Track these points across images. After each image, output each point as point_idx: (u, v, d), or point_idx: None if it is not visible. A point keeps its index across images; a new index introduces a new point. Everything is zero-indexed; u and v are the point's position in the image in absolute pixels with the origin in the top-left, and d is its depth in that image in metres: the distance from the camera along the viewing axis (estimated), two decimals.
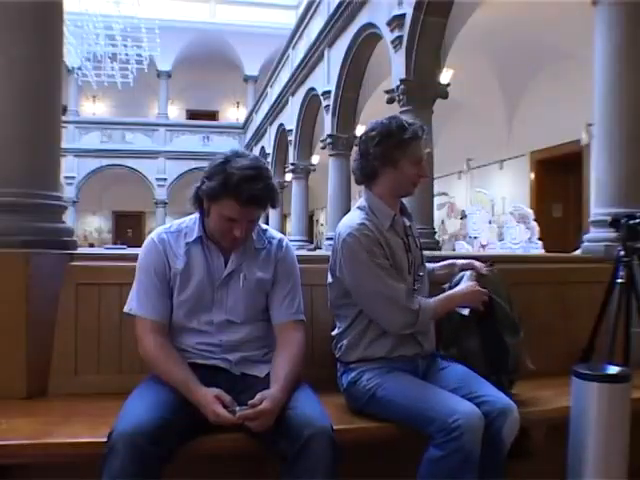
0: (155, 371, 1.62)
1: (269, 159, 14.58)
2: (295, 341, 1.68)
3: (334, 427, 1.46)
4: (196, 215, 1.71)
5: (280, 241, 1.78)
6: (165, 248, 1.67)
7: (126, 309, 1.69)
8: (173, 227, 1.73)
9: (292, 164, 11.68)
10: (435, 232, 6.21)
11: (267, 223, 14.10)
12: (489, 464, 1.59)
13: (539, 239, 7.56)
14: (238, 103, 22.00)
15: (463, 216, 9.62)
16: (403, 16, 5.93)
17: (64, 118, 14.29)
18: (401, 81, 5.95)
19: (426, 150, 1.83)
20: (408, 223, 1.89)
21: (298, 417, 1.45)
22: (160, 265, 1.66)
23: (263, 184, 1.54)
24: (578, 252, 3.07)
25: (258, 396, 1.47)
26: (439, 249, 6.47)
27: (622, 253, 2.26)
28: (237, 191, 1.51)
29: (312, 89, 10.07)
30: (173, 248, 1.68)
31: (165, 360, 1.59)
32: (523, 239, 7.77)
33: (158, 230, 1.75)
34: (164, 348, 1.62)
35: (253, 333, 1.70)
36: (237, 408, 1.46)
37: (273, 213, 14.28)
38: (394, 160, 1.77)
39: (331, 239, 9.47)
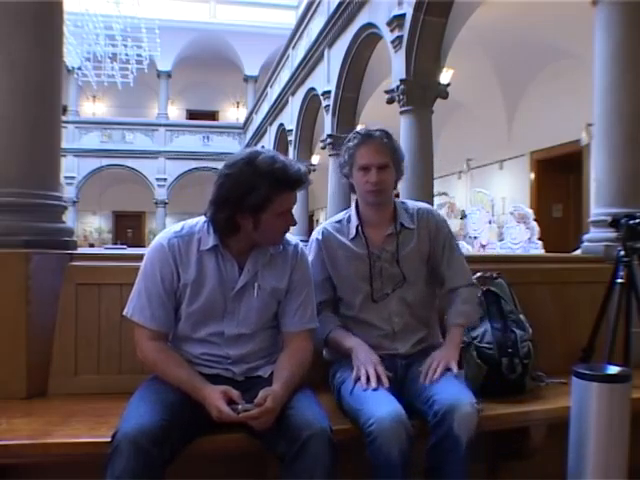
0: (157, 373, 1.60)
1: None
2: (303, 348, 1.66)
3: (334, 428, 1.46)
4: (205, 219, 1.61)
5: (295, 247, 1.72)
6: (175, 256, 1.58)
7: (125, 312, 1.62)
8: (184, 230, 1.63)
9: None
10: None
11: None
12: (448, 466, 1.54)
13: (539, 239, 7.56)
14: (238, 103, 21.99)
15: (463, 216, 9.62)
16: (403, 16, 5.94)
17: (64, 118, 14.30)
18: (401, 81, 5.96)
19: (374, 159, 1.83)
20: (389, 231, 1.85)
21: (297, 418, 1.45)
22: (168, 274, 1.58)
23: (296, 166, 1.56)
24: (578, 252, 3.06)
25: (261, 394, 1.46)
26: None
27: (622, 253, 2.26)
28: (288, 181, 1.52)
29: (312, 89, 10.07)
30: (183, 256, 1.59)
31: (166, 362, 1.57)
32: (523, 239, 7.77)
33: (168, 233, 1.63)
34: (163, 351, 1.59)
35: (261, 344, 1.67)
36: (239, 406, 1.45)
37: None
38: (352, 166, 1.86)
39: None
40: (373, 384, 1.61)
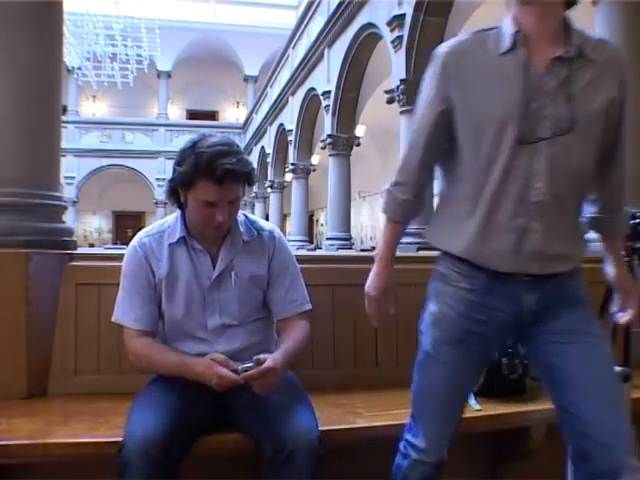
0: (150, 369, 1.59)
1: (269, 159, 14.59)
2: (300, 326, 1.64)
3: (334, 427, 1.46)
4: (178, 213, 1.62)
5: (271, 233, 1.67)
6: (147, 254, 1.59)
7: (113, 319, 1.62)
8: (155, 229, 1.64)
9: (292, 164, 11.70)
10: None
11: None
12: None
13: None
14: (238, 103, 22.01)
15: None
16: (403, 16, 5.95)
17: (64, 118, 14.32)
18: (401, 81, 5.96)
19: None
20: (559, 53, 1.20)
21: (285, 425, 1.42)
22: (143, 273, 1.59)
23: (236, 158, 1.45)
24: None
25: (261, 355, 1.45)
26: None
27: (622, 253, 2.26)
28: (210, 169, 1.42)
29: (312, 89, 10.08)
30: (155, 252, 1.59)
31: (156, 353, 1.56)
32: None
33: (140, 234, 1.65)
34: (151, 344, 1.58)
35: (252, 338, 1.63)
36: (239, 367, 1.44)
37: (273, 213, 14.28)
38: None
39: (331, 239, 9.46)
40: (375, 323, 1.42)
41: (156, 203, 18.45)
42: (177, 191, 1.54)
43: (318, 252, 8.26)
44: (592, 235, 3.01)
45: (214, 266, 1.60)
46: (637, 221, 2.25)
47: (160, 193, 18.38)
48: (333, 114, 8.78)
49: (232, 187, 1.47)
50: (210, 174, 1.43)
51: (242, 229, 1.63)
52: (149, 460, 1.30)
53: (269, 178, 14.44)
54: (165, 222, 1.66)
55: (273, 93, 14.08)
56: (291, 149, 11.94)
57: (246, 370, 1.42)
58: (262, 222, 1.70)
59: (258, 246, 1.64)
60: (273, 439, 1.40)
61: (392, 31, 6.20)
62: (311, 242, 13.98)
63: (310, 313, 1.70)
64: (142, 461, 1.30)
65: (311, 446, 1.38)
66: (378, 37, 7.01)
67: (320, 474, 1.39)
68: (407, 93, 5.93)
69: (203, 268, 1.59)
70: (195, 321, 1.60)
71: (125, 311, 1.59)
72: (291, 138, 11.89)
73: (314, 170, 11.85)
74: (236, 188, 1.49)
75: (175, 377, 1.53)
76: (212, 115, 21.90)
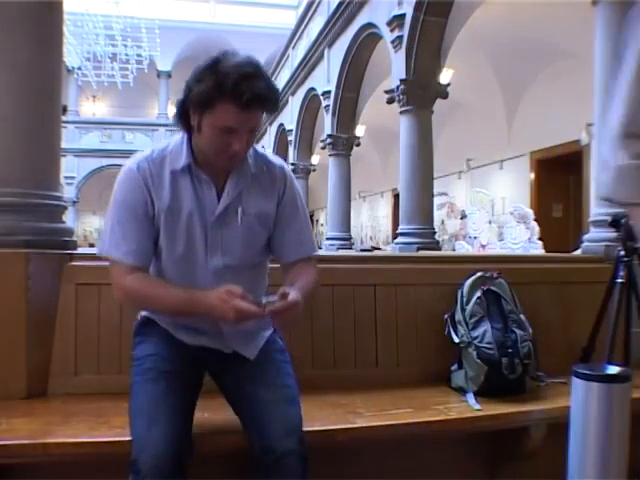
0: (146, 307, 1.49)
1: None
2: (310, 271, 1.54)
3: (333, 427, 1.46)
4: (183, 136, 1.44)
5: (282, 169, 1.54)
6: (147, 180, 1.41)
7: (98, 251, 1.46)
8: (155, 153, 1.46)
9: (292, 164, 11.69)
10: (435, 232, 6.22)
11: None
12: None
13: (539, 239, 7.56)
14: None
15: (463, 216, 9.63)
16: (403, 16, 5.95)
17: (64, 118, 14.33)
18: (401, 81, 5.97)
19: None
20: None
21: (272, 424, 1.37)
22: (141, 200, 1.41)
23: (265, 82, 1.31)
24: (578, 252, 3.07)
25: (281, 289, 1.34)
26: (439, 249, 6.48)
27: (622, 253, 2.26)
28: (236, 92, 1.26)
29: (312, 89, 10.09)
30: (156, 180, 1.42)
31: (155, 286, 1.42)
32: (523, 239, 7.77)
33: (137, 157, 1.47)
34: (147, 278, 1.43)
35: (250, 283, 1.45)
36: (263, 300, 1.33)
37: None
38: None
39: (331, 239, 9.48)
40: None
41: None
42: (188, 113, 1.36)
43: (318, 252, 8.25)
44: (593, 235, 3.02)
45: (219, 200, 1.45)
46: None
47: None
48: (333, 114, 8.78)
49: (256, 114, 1.34)
50: (236, 98, 1.28)
51: (250, 161, 1.49)
52: (165, 473, 1.27)
53: None
54: (167, 146, 1.47)
55: None
56: (291, 149, 11.94)
57: (269, 304, 1.32)
58: (271, 156, 1.57)
59: (267, 181, 1.51)
60: (260, 438, 1.37)
61: (392, 31, 6.20)
62: None
63: (315, 258, 1.62)
64: (156, 475, 1.26)
65: (298, 449, 1.35)
66: (378, 37, 7.01)
67: (319, 474, 1.39)
68: (407, 93, 5.93)
69: (208, 201, 1.44)
70: (195, 260, 1.45)
71: (116, 243, 1.41)
72: (291, 138, 11.89)
73: (314, 170, 11.85)
74: (259, 115, 1.36)
75: (165, 359, 1.46)
76: None
